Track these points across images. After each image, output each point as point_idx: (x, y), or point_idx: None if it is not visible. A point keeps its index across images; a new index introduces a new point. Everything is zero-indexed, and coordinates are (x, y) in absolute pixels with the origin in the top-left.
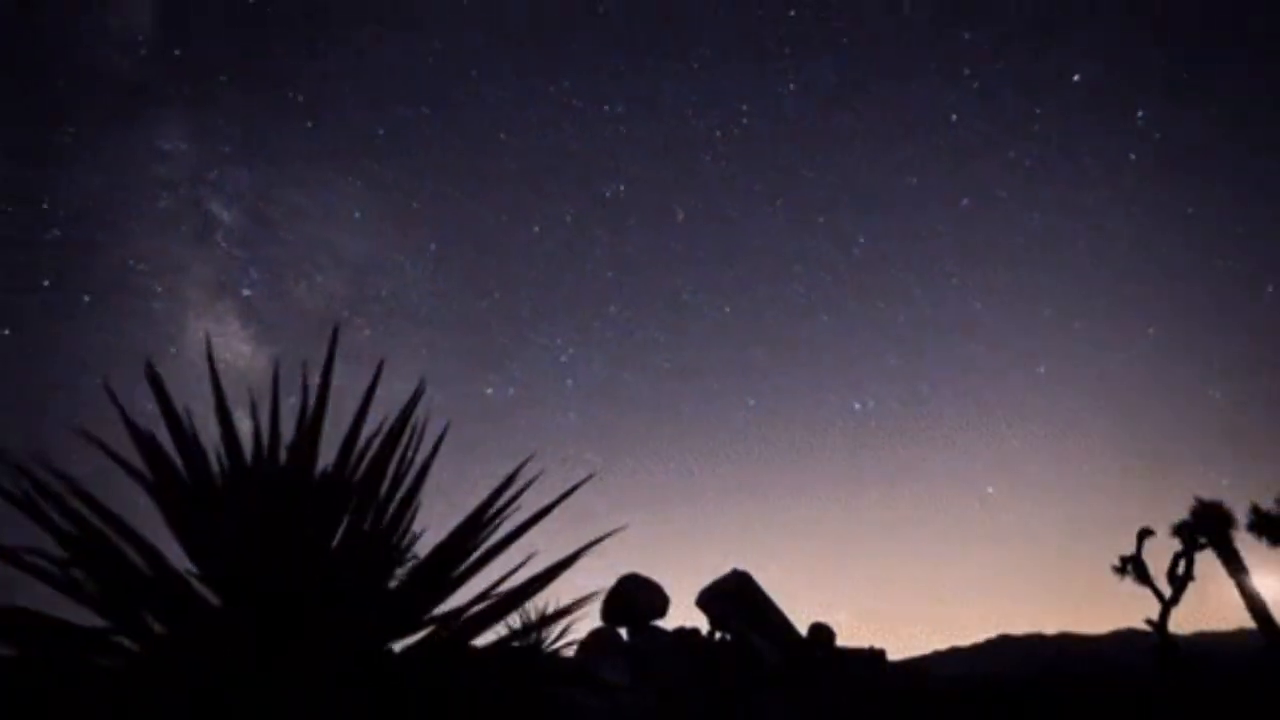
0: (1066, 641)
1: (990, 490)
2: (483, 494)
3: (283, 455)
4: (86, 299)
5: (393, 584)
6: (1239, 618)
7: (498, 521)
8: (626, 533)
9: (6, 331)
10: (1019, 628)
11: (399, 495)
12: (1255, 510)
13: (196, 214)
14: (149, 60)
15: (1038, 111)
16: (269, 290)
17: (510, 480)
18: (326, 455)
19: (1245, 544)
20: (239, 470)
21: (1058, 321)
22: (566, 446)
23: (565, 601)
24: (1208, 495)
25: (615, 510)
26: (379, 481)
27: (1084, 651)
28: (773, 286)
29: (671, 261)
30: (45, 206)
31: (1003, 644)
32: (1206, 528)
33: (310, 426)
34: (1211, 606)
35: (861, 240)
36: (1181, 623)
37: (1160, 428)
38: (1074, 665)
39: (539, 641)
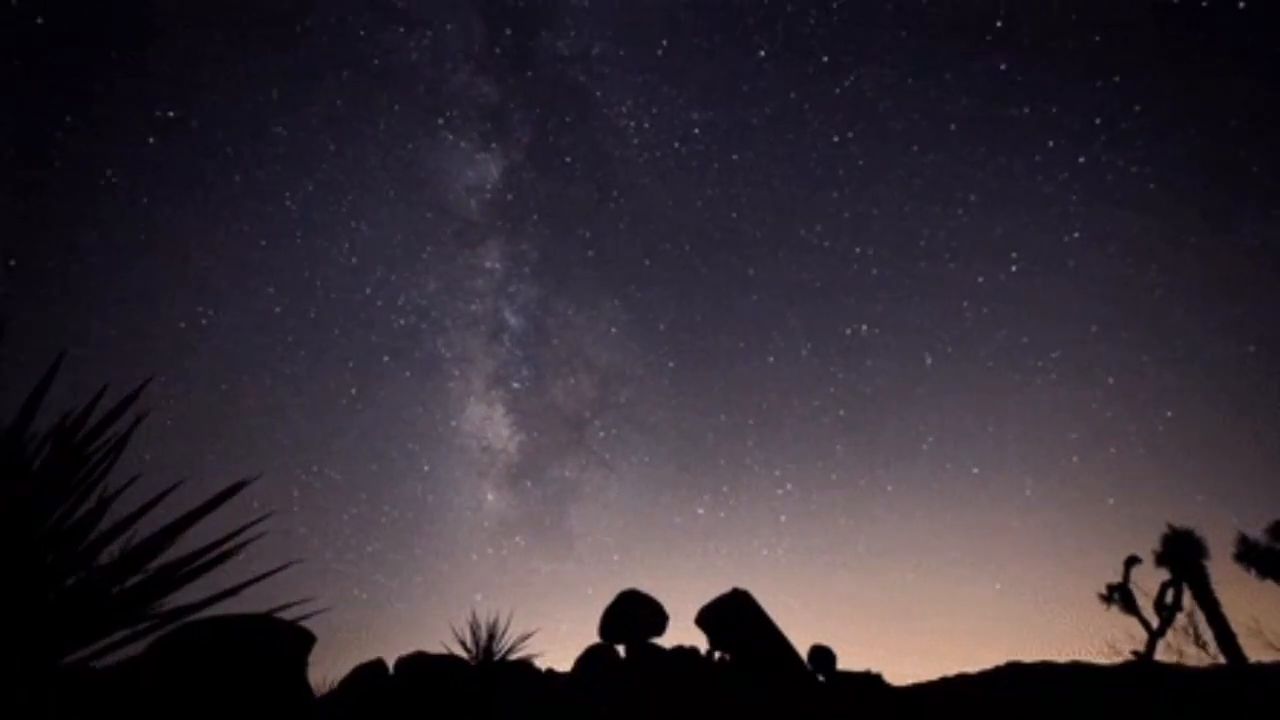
0: (1078, 671)
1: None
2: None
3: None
4: (407, 374)
5: None
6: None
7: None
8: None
9: (354, 391)
10: (1030, 655)
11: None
12: (1243, 540)
13: (494, 318)
14: (489, 202)
15: None
16: (533, 386)
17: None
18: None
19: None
20: None
21: None
22: (771, 583)
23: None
24: (1179, 523)
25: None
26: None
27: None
28: (1041, 455)
29: (913, 408)
30: (399, 303)
31: (1013, 672)
32: (1178, 556)
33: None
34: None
35: (1169, 413)
36: (1195, 656)
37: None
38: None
39: None
